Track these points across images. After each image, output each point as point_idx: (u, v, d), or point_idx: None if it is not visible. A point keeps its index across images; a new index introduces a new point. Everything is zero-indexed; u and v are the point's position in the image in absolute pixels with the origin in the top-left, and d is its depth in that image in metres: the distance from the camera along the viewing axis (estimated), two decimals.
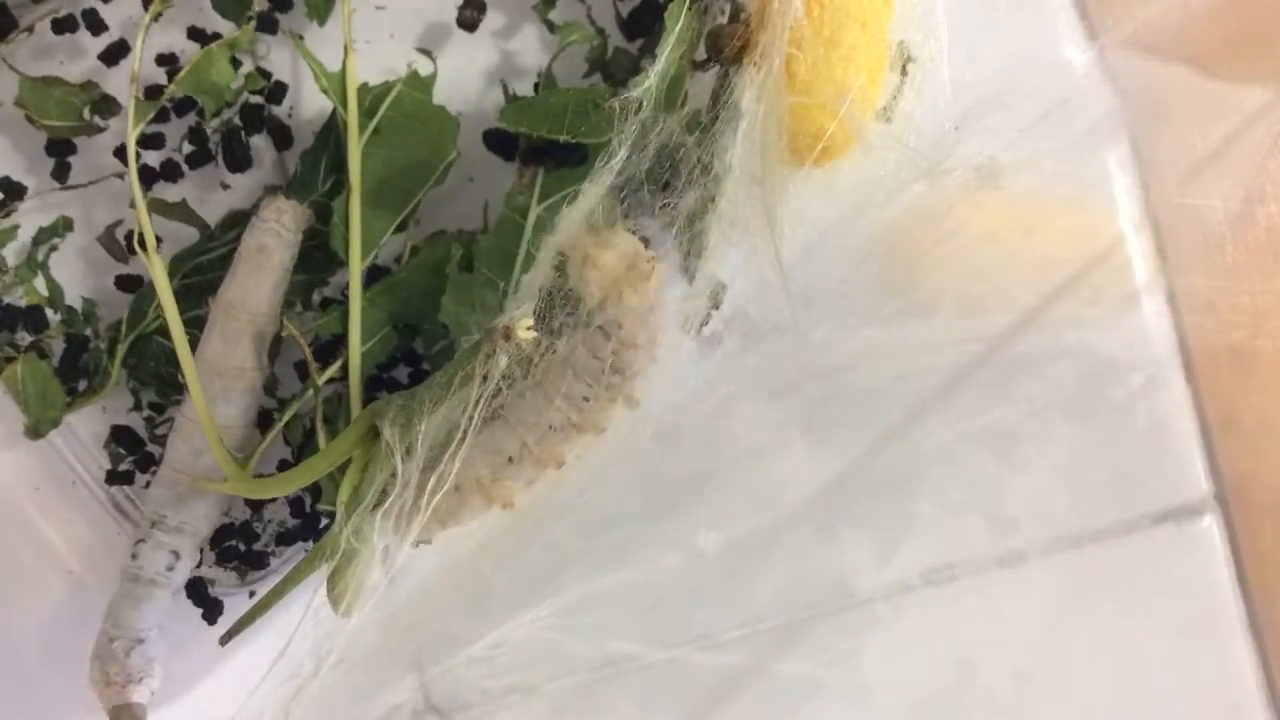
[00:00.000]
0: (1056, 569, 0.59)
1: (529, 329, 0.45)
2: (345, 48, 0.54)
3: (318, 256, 0.57)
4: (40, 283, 0.58)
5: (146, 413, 0.59)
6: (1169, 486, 0.59)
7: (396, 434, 0.48)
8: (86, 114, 0.56)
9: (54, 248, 0.58)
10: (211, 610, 0.58)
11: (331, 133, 0.55)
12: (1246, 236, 0.57)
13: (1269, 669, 0.59)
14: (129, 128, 0.53)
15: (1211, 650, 0.59)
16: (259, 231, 0.54)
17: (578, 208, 0.47)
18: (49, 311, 0.58)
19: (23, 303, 0.58)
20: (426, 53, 0.55)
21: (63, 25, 0.57)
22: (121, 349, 0.57)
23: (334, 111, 0.55)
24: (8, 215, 0.58)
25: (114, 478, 0.59)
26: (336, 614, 0.50)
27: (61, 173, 0.58)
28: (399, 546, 0.48)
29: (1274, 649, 0.59)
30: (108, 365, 0.57)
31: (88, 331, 0.58)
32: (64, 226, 0.58)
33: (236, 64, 0.57)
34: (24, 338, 0.58)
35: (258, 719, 0.49)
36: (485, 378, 0.46)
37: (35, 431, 0.58)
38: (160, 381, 0.58)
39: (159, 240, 0.55)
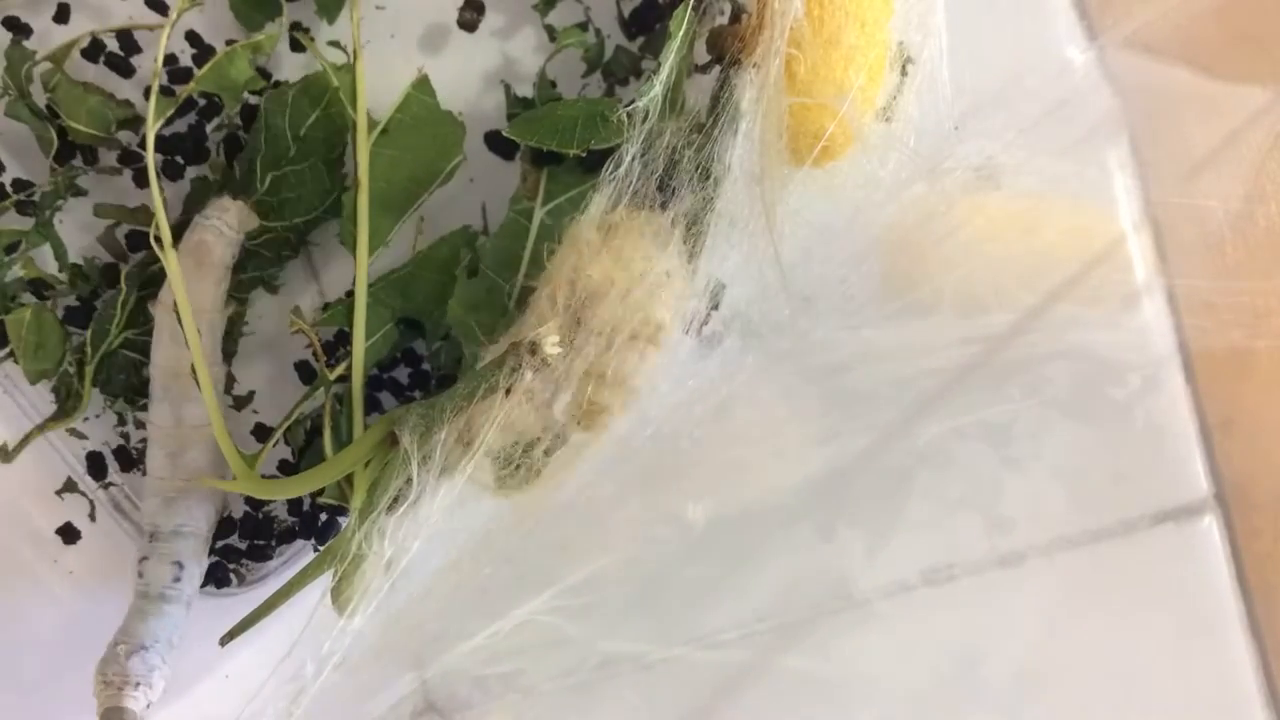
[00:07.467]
0: (1056, 569, 0.59)
1: (555, 345, 0.45)
2: (355, 50, 0.54)
3: (265, 254, 0.57)
4: (46, 249, 0.58)
5: (127, 427, 0.59)
6: (1169, 487, 0.59)
7: (415, 442, 0.48)
8: (113, 129, 0.56)
9: (58, 208, 0.58)
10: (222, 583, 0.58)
11: (262, 133, 0.55)
12: (1246, 236, 0.57)
13: (1269, 669, 0.59)
14: (149, 124, 0.53)
15: (1211, 650, 0.59)
16: (199, 228, 0.54)
17: (587, 218, 0.47)
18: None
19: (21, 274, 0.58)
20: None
21: (92, 53, 0.57)
22: (89, 370, 0.56)
23: (261, 109, 0.55)
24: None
25: (96, 474, 0.59)
26: (340, 618, 0.49)
27: (83, 162, 0.58)
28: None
29: (1274, 649, 0.59)
30: (79, 388, 0.57)
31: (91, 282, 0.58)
32: (65, 188, 0.57)
33: (267, 76, 0.57)
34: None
35: None
36: (509, 391, 0.46)
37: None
38: (130, 391, 0.58)
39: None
